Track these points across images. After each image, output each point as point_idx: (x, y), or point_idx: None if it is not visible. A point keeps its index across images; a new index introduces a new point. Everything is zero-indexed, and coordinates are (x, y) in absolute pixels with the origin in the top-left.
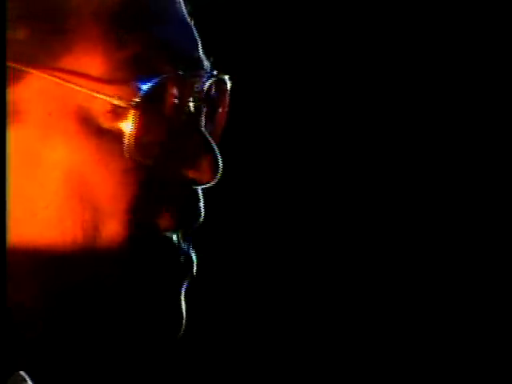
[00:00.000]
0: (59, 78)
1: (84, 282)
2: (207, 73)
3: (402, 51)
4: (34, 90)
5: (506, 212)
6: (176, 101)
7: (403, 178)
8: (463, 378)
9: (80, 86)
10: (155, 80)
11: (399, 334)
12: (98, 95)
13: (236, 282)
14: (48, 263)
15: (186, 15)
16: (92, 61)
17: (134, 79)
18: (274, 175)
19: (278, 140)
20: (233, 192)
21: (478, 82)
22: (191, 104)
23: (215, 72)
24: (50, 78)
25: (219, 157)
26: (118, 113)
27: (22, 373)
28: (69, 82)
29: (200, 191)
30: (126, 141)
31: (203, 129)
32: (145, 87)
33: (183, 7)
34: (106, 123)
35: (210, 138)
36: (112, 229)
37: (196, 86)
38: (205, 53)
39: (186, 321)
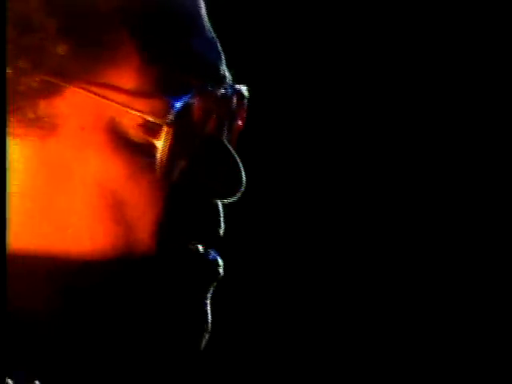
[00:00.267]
0: (94, 92)
1: (113, 293)
2: (231, 87)
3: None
4: (69, 104)
5: (506, 212)
6: (204, 116)
7: (404, 179)
8: (463, 378)
9: (114, 101)
10: (187, 96)
11: (399, 334)
12: (131, 110)
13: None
14: (79, 276)
15: (211, 28)
16: (126, 75)
17: (166, 94)
18: (276, 177)
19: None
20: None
21: (477, 82)
22: (216, 118)
23: (237, 86)
24: (85, 92)
25: (243, 171)
26: (149, 127)
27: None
28: (103, 96)
29: (220, 204)
30: (157, 156)
31: (226, 142)
32: (178, 104)
33: (207, 21)
34: (137, 137)
35: (233, 152)
36: (142, 242)
37: (222, 100)
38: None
39: (210, 331)
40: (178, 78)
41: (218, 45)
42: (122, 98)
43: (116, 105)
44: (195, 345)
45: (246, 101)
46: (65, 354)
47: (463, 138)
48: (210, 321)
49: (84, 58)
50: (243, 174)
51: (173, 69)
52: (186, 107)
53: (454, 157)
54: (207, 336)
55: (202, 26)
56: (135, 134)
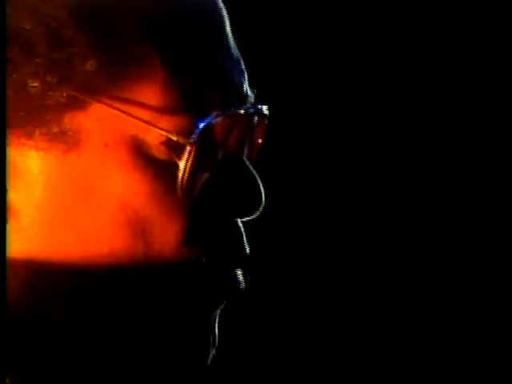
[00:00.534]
0: (118, 108)
1: (129, 308)
2: (253, 105)
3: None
4: (93, 119)
5: (506, 212)
6: (226, 135)
7: (405, 179)
8: (463, 378)
9: (138, 118)
10: (211, 115)
11: (399, 334)
12: (155, 129)
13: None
14: (97, 290)
15: (235, 45)
16: (151, 92)
17: (190, 112)
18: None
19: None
20: None
21: (478, 81)
22: (238, 136)
23: (259, 105)
24: (109, 108)
25: (262, 190)
26: (172, 146)
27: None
28: (127, 113)
29: (241, 223)
30: (180, 175)
31: (246, 161)
32: (201, 124)
33: (232, 37)
34: (159, 155)
35: (253, 171)
36: (160, 262)
37: (244, 119)
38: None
39: (216, 351)
40: (203, 96)
41: (242, 62)
42: (147, 115)
43: (140, 122)
44: (201, 361)
45: (266, 120)
46: (80, 364)
47: (463, 137)
48: (216, 338)
49: (110, 73)
50: (263, 192)
51: (197, 86)
52: (210, 127)
53: (455, 157)
54: (213, 352)
55: (227, 43)
56: (158, 152)
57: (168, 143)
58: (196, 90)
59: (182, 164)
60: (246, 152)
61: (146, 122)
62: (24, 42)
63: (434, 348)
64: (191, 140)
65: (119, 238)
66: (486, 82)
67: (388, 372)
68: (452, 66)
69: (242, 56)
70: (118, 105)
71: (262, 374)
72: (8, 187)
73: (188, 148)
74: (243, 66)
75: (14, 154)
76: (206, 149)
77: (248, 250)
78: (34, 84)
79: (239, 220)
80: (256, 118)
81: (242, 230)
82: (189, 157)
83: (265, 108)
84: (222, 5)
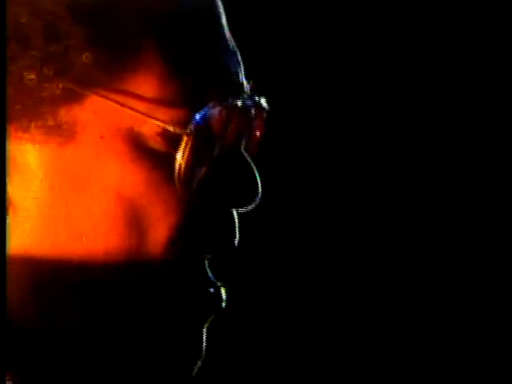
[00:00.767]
0: (114, 100)
1: (121, 302)
2: (250, 98)
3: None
4: (89, 112)
5: (506, 212)
6: (223, 126)
7: (404, 179)
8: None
9: (134, 109)
10: (207, 107)
11: (399, 334)
12: (151, 120)
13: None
14: (91, 283)
15: (231, 38)
16: (147, 84)
17: (186, 104)
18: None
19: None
20: None
21: (478, 82)
22: (235, 129)
23: (256, 97)
24: (105, 100)
25: (259, 180)
26: (168, 137)
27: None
28: (123, 104)
29: (236, 214)
30: (176, 166)
31: (244, 152)
32: (198, 115)
33: (228, 30)
34: (156, 147)
35: (250, 162)
36: (155, 253)
37: (241, 111)
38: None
39: (204, 355)
40: (199, 89)
41: (238, 55)
42: (143, 106)
43: (136, 113)
44: (187, 370)
45: (265, 112)
46: (71, 357)
47: (463, 137)
48: (204, 349)
49: (106, 66)
50: (259, 183)
51: (194, 79)
52: (206, 118)
53: (455, 157)
54: (200, 363)
55: (223, 36)
56: (154, 143)
57: (165, 134)
58: (192, 81)
59: (178, 155)
60: (244, 145)
61: (143, 114)
62: (20, 36)
63: (431, 348)
64: (188, 131)
65: (115, 231)
66: (486, 82)
67: (383, 371)
68: (452, 66)
69: (241, 51)
70: (114, 96)
71: (257, 373)
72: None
73: (185, 139)
74: (239, 58)
75: (11, 147)
76: (202, 140)
77: (236, 243)
78: (30, 77)
79: (235, 212)
80: (253, 110)
81: (237, 222)
82: (185, 148)
83: (263, 100)
84: None
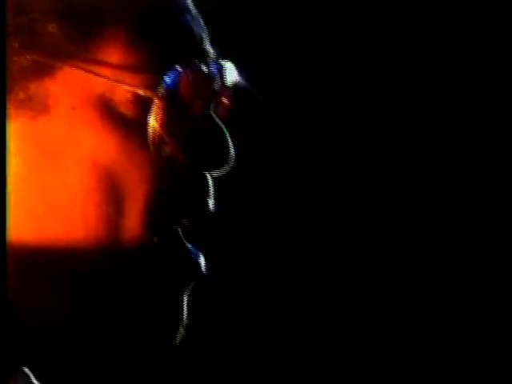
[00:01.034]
0: (83, 68)
1: (100, 274)
2: (216, 63)
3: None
4: (59, 83)
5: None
6: (192, 91)
7: (404, 179)
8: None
9: (104, 76)
10: (176, 71)
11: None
12: (121, 85)
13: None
14: (70, 257)
15: (194, 4)
16: (115, 52)
17: (155, 69)
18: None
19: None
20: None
21: (478, 82)
22: (204, 93)
23: (223, 62)
24: (74, 70)
25: (231, 143)
26: (140, 103)
27: (25, 370)
28: (93, 72)
29: (211, 180)
30: (149, 131)
31: (215, 116)
32: (167, 79)
33: None
34: (128, 113)
35: (222, 125)
36: (133, 221)
37: (208, 75)
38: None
39: (186, 324)
40: (165, 53)
41: (201, 21)
42: (112, 73)
43: (106, 81)
44: (170, 339)
45: (233, 75)
46: (51, 342)
47: (463, 138)
48: (185, 317)
49: (73, 37)
50: (231, 145)
51: (159, 44)
52: (176, 81)
53: (455, 157)
54: (182, 331)
55: (185, 4)
56: (126, 110)
57: (136, 100)
58: (158, 46)
59: (151, 119)
60: (214, 110)
61: (112, 80)
62: None
63: (433, 348)
64: (158, 93)
65: (92, 200)
66: (486, 82)
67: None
68: (451, 66)
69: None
70: (83, 66)
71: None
72: None
73: (156, 102)
74: (203, 25)
75: None
76: (173, 103)
77: (212, 206)
78: None
79: (209, 176)
80: (220, 75)
81: (211, 185)
82: (157, 111)
83: (230, 65)
84: None
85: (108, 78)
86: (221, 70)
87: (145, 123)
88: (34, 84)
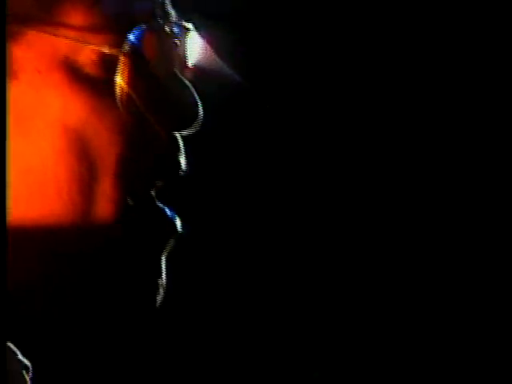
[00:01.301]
0: (47, 31)
1: (74, 238)
2: (177, 23)
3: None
4: (23, 48)
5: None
6: (156, 50)
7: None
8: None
9: (68, 38)
10: (139, 29)
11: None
12: (86, 45)
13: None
14: (44, 222)
15: None
16: (77, 14)
17: (118, 28)
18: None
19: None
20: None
21: (478, 82)
22: (168, 52)
23: (184, 22)
24: (38, 33)
25: (199, 102)
26: (105, 62)
27: (11, 345)
28: (57, 34)
29: (181, 141)
30: (117, 90)
31: (182, 76)
32: (131, 37)
33: None
34: (94, 74)
35: (189, 84)
36: (106, 182)
37: (170, 35)
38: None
39: (165, 287)
40: (129, 15)
41: None
42: (76, 34)
43: (70, 41)
44: (150, 302)
45: (193, 35)
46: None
47: (463, 138)
48: (164, 278)
49: (35, 1)
50: (199, 104)
51: (121, 6)
52: (140, 39)
53: (454, 157)
54: (162, 293)
55: None
56: (92, 70)
57: (101, 60)
58: (121, 9)
59: (118, 78)
60: (180, 69)
61: (76, 41)
62: None
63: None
64: (123, 51)
65: (64, 165)
66: (486, 82)
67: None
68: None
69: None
70: (46, 29)
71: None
72: None
73: (121, 59)
74: None
75: None
76: (138, 61)
77: (183, 163)
78: None
79: (178, 136)
80: (183, 34)
81: (182, 145)
82: (123, 69)
83: (190, 26)
84: None
85: (72, 40)
86: (184, 31)
87: (112, 83)
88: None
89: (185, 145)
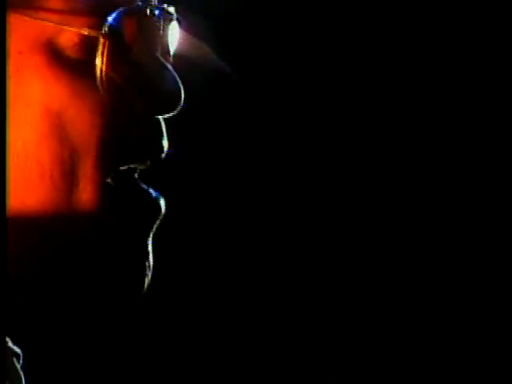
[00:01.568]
0: (27, 14)
1: (58, 221)
2: (158, 6)
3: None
4: (7, 30)
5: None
6: (136, 32)
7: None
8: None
9: (48, 20)
10: (118, 12)
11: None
12: (66, 27)
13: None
14: (28, 205)
15: None
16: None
17: (98, 11)
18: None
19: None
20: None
21: (478, 82)
22: (148, 35)
23: (164, 5)
24: (20, 16)
25: (181, 85)
26: (85, 45)
27: (12, 346)
28: (37, 17)
29: (163, 124)
30: (98, 72)
31: (163, 59)
32: (110, 18)
33: None
34: (75, 56)
35: (171, 68)
36: (88, 165)
37: (151, 18)
38: None
39: (153, 269)
40: None
41: None
42: (57, 17)
43: (51, 24)
44: (137, 285)
45: (173, 18)
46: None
47: (463, 138)
48: (151, 260)
49: None
50: (181, 87)
51: None
52: (118, 21)
53: (454, 157)
54: (149, 276)
55: None
56: (73, 52)
57: (81, 43)
58: None
59: (97, 60)
60: (161, 52)
61: (58, 24)
62: None
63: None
64: (103, 32)
65: (46, 147)
66: (486, 82)
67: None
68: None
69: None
70: (27, 12)
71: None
72: None
73: (101, 41)
74: None
75: None
76: (119, 45)
77: (166, 146)
78: None
79: (161, 118)
80: (163, 18)
81: (164, 128)
82: (103, 51)
83: (171, 9)
84: None
85: (53, 23)
86: (165, 15)
87: (92, 65)
88: None
89: (167, 127)
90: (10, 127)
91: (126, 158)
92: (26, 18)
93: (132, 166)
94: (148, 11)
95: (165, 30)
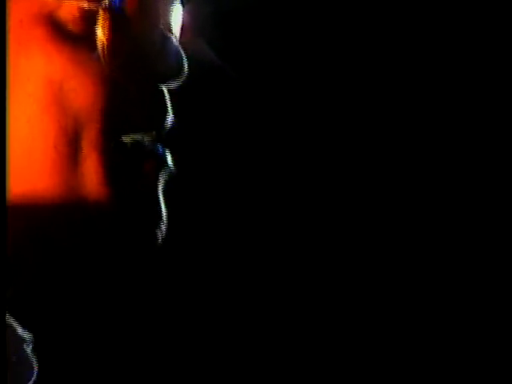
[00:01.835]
0: None
1: (67, 192)
2: None
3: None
4: (8, 1)
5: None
6: (135, 5)
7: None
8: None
9: None
10: None
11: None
12: (68, 1)
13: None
14: (32, 178)
15: None
16: None
17: None
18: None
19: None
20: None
21: (478, 82)
22: (148, 8)
23: None
24: None
25: (183, 53)
26: (86, 17)
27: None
28: None
29: (167, 95)
30: (99, 43)
31: (163, 27)
32: None
33: None
34: (77, 29)
35: (173, 38)
36: (92, 135)
37: None
38: None
39: (166, 220)
40: None
41: None
42: None
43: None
44: (151, 238)
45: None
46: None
47: (463, 138)
48: (164, 213)
49: None
50: (184, 55)
51: None
52: None
53: (455, 157)
54: (163, 228)
55: None
56: (74, 25)
57: (83, 15)
58: None
59: (99, 32)
60: (162, 25)
61: None
62: None
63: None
64: (102, 5)
65: (50, 119)
66: (486, 82)
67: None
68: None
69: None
70: None
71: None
72: None
73: (101, 14)
74: None
75: None
76: (119, 16)
77: (170, 120)
78: None
79: (165, 89)
80: None
81: (168, 99)
82: (104, 23)
83: None
84: None
85: None
86: None
87: (94, 37)
88: None
89: (171, 98)
90: (14, 100)
91: (129, 129)
92: None
93: (136, 137)
94: None
95: (167, 6)
